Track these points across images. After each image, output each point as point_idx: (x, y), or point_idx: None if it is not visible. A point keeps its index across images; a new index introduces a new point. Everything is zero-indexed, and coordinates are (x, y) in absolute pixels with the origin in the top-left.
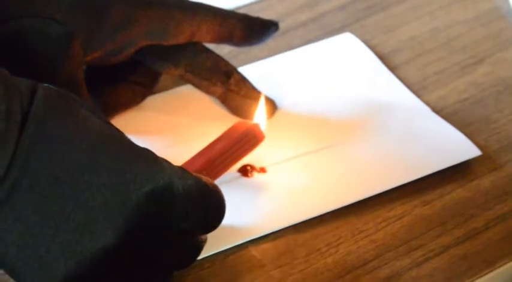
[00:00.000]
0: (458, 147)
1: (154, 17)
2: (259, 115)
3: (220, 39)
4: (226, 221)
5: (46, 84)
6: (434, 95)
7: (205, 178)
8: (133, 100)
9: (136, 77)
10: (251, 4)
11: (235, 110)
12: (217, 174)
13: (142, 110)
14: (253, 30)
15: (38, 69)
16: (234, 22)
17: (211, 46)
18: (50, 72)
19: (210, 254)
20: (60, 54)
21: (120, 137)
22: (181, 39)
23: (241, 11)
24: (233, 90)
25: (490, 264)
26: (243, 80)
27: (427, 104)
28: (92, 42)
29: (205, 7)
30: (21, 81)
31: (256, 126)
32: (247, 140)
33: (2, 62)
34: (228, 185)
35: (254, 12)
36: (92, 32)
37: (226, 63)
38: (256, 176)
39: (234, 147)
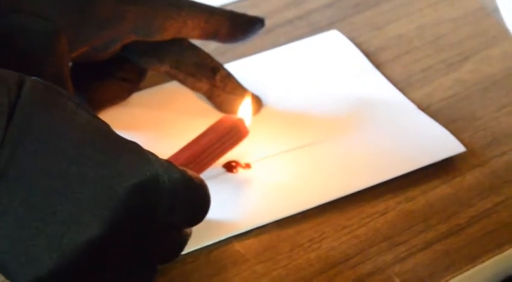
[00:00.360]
0: (443, 144)
1: (141, 13)
2: (244, 110)
3: (206, 36)
4: (210, 216)
5: (34, 78)
6: (420, 92)
7: (190, 172)
8: (120, 96)
9: (122, 73)
10: (238, 1)
11: (220, 106)
12: (202, 169)
13: (128, 106)
14: (238, 27)
15: (23, 64)
16: (220, 18)
17: (197, 43)
18: (35, 68)
19: (195, 248)
20: (45, 50)
21: (106, 130)
22: (167, 35)
23: (228, 8)
24: (219, 87)
25: (472, 260)
26: (229, 76)
27: (413, 101)
28: (78, 37)
29: (191, 3)
30: (9, 73)
31: (241, 121)
32: (232, 134)
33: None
34: (213, 180)
35: (241, 9)
36: (78, 28)
37: (212, 59)
38: (241, 172)
39: (218, 142)
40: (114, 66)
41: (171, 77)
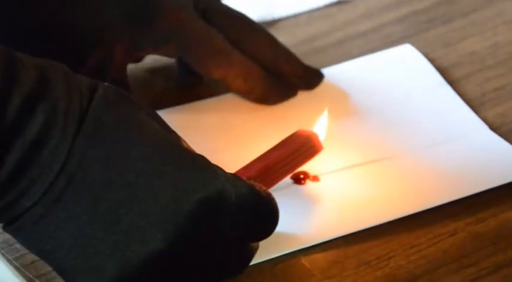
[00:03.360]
0: None
1: (193, 41)
2: (319, 125)
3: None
4: (276, 228)
5: (106, 84)
6: (492, 111)
7: (258, 186)
8: None
9: None
10: (311, 11)
11: None
12: (272, 182)
13: (198, 113)
14: (272, 91)
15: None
16: (259, 81)
17: None
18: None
19: (260, 261)
20: (102, 58)
21: (176, 143)
22: (211, 73)
23: (302, 19)
24: None
25: None
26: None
27: (485, 120)
28: (136, 46)
29: (238, 58)
30: (83, 79)
31: (315, 135)
32: (305, 149)
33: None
34: (280, 192)
35: (314, 20)
36: (136, 39)
37: None
38: (308, 184)
39: (291, 156)
40: None
41: None
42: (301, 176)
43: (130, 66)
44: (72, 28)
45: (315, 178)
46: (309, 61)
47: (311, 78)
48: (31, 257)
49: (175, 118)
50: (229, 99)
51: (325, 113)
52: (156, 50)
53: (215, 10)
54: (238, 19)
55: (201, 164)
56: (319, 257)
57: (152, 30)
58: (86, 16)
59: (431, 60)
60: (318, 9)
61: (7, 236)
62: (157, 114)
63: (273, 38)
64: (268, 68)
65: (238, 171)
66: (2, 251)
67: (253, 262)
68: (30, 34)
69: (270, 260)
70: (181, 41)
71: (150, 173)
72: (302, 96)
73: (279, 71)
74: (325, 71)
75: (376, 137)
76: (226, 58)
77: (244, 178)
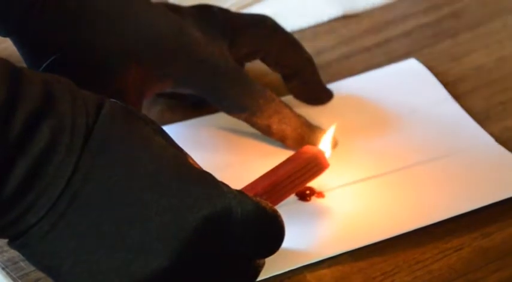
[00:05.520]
0: None
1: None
2: (325, 143)
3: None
4: (282, 244)
5: (113, 100)
6: (499, 125)
7: (264, 203)
8: None
9: None
10: (316, 26)
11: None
12: (278, 199)
13: (204, 128)
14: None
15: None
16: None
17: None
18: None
19: (265, 277)
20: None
21: (182, 159)
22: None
23: (307, 33)
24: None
25: None
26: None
27: (491, 134)
28: (152, 75)
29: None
30: (89, 95)
31: (321, 153)
32: (312, 166)
33: (72, 78)
34: (285, 208)
35: (319, 34)
36: (157, 68)
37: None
38: (313, 201)
39: (297, 173)
40: None
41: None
42: (307, 193)
43: None
44: (95, 49)
45: (320, 194)
46: None
47: (323, 94)
48: (35, 275)
49: (181, 134)
50: None
51: (332, 129)
52: (175, 84)
53: (237, 23)
54: (262, 28)
55: (207, 180)
56: (324, 273)
57: (176, 62)
58: (111, 38)
59: (437, 75)
60: (323, 24)
61: (11, 254)
62: (163, 130)
63: (299, 43)
64: (297, 75)
65: (244, 188)
66: (7, 270)
67: (259, 278)
68: (53, 51)
69: (275, 276)
70: (207, 76)
71: (155, 189)
72: (307, 111)
73: (305, 79)
74: (330, 86)
75: (381, 152)
76: (262, 102)
77: (251, 195)
